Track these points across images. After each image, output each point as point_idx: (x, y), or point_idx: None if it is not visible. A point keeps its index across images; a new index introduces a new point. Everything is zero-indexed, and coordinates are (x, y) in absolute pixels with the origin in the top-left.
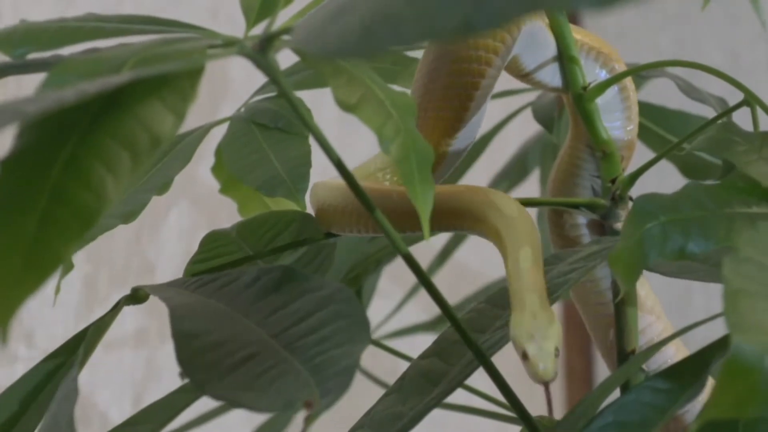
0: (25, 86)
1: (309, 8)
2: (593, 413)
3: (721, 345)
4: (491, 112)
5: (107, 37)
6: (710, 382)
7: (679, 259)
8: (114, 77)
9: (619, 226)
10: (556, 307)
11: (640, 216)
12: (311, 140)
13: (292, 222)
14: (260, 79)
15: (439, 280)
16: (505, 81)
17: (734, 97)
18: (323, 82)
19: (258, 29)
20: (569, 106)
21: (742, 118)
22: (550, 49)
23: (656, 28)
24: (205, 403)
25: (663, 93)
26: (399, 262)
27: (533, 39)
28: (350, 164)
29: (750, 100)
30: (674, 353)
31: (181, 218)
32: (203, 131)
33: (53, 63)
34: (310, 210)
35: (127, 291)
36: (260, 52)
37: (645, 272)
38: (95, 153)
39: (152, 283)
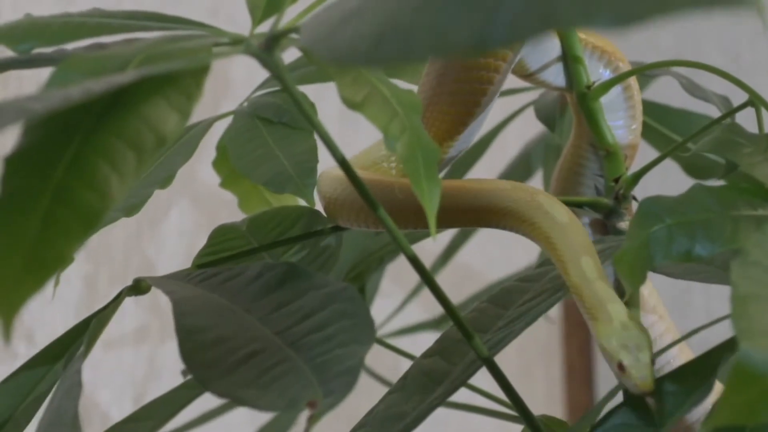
0: (26, 84)
1: (314, 6)
2: (596, 418)
3: (727, 347)
4: (492, 111)
5: (112, 33)
6: (717, 386)
7: (685, 261)
8: (119, 76)
9: (622, 225)
10: (556, 307)
11: (646, 218)
12: (315, 135)
13: (300, 218)
14: (261, 78)
15: (441, 280)
16: (507, 80)
17: (734, 97)
18: (326, 77)
19: (258, 28)
20: (573, 105)
21: (742, 119)
22: (555, 49)
23: (656, 27)
24: (207, 402)
25: (666, 92)
26: (400, 262)
27: (538, 40)
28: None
29: (755, 101)
30: (677, 353)
31: (182, 217)
32: (206, 125)
33: (57, 58)
34: (317, 202)
35: None
36: (266, 50)
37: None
38: (100, 152)
39: None
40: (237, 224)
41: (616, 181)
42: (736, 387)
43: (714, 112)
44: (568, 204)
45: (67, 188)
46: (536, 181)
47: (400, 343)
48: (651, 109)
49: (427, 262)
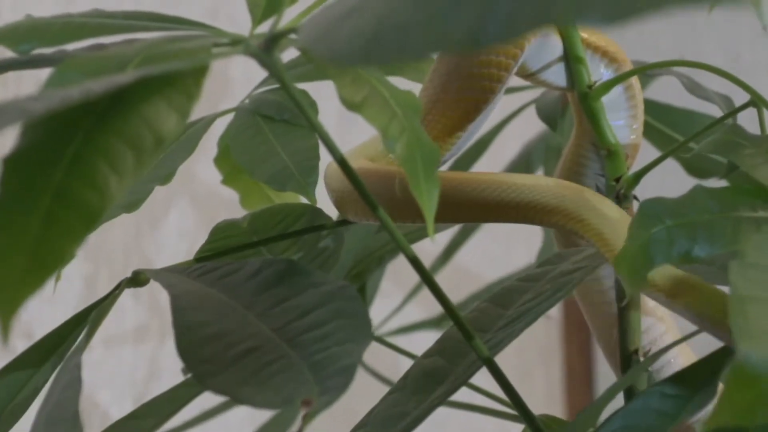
0: (25, 84)
1: (314, 7)
2: (597, 416)
3: (729, 350)
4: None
5: (112, 34)
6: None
7: (685, 263)
8: (119, 76)
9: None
10: (557, 307)
11: (646, 219)
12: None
13: (302, 215)
14: (259, 77)
15: (440, 280)
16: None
17: (734, 98)
18: (324, 75)
19: (258, 29)
20: (574, 104)
21: (742, 119)
22: (557, 49)
23: (656, 28)
24: (207, 401)
25: (667, 91)
26: (399, 262)
27: (541, 40)
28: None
29: (756, 101)
30: (677, 353)
31: (181, 217)
32: (207, 122)
33: (58, 59)
34: (319, 200)
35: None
36: (266, 51)
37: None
38: (100, 152)
39: (151, 281)
40: (239, 221)
41: (617, 180)
42: (735, 388)
43: (715, 111)
44: None
45: (67, 188)
46: None
47: (399, 342)
48: (652, 108)
49: (427, 262)
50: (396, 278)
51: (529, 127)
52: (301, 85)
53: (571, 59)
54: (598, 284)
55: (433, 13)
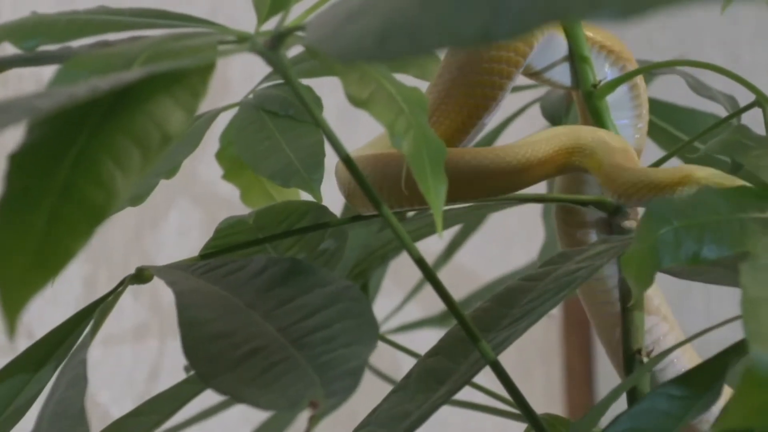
0: (26, 84)
1: (320, 4)
2: (601, 416)
3: (736, 350)
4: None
5: (118, 31)
6: (727, 390)
7: (693, 264)
8: (125, 73)
9: (626, 224)
10: (558, 306)
11: (654, 221)
12: None
13: (307, 213)
14: (259, 76)
15: (441, 280)
16: None
17: (735, 97)
18: (327, 72)
19: (263, 26)
20: (579, 103)
21: (746, 119)
22: (561, 48)
23: (657, 27)
24: (205, 399)
25: (671, 90)
26: (400, 261)
27: (546, 39)
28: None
29: (762, 101)
30: (681, 354)
31: (182, 217)
32: (211, 117)
33: (63, 56)
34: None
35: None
36: (272, 48)
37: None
38: (105, 149)
39: (152, 282)
40: (244, 217)
41: None
42: (747, 390)
43: (719, 111)
44: (572, 203)
45: (73, 185)
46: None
47: (399, 340)
48: (657, 107)
49: (428, 261)
50: (396, 277)
51: (533, 126)
52: (302, 82)
53: (576, 58)
54: (601, 284)
55: (443, 9)
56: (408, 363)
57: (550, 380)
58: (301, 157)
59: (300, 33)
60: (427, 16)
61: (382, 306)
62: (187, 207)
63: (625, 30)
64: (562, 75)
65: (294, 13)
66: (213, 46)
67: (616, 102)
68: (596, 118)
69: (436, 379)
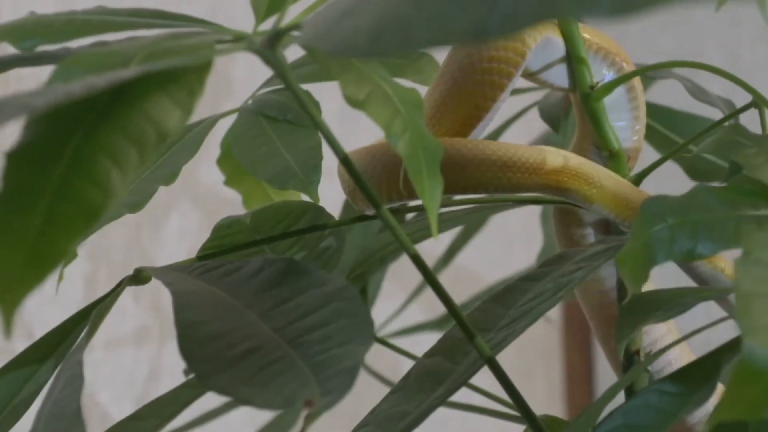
0: (26, 83)
1: (317, 4)
2: (598, 416)
3: (730, 348)
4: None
5: (116, 31)
6: (719, 388)
7: (687, 260)
8: (122, 72)
9: (624, 225)
10: (557, 308)
11: (649, 218)
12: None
13: (305, 213)
14: (262, 77)
15: (441, 282)
16: None
17: (735, 98)
18: (328, 76)
19: (261, 26)
20: (576, 105)
21: (743, 120)
22: (559, 49)
23: (656, 28)
24: (207, 402)
25: (668, 94)
26: (400, 263)
27: (544, 41)
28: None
29: (758, 102)
30: (678, 354)
31: (182, 218)
32: (210, 122)
33: (61, 56)
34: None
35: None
36: (269, 48)
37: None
38: (102, 147)
39: (152, 282)
40: (241, 218)
41: None
42: (739, 383)
43: (717, 115)
44: (570, 204)
45: (69, 184)
46: None
47: (399, 343)
48: (654, 111)
49: (428, 263)
50: (397, 279)
51: (532, 129)
52: (304, 87)
53: (573, 60)
54: (599, 284)
55: (436, 6)
56: (409, 366)
57: (551, 382)
58: (298, 161)
59: (297, 33)
60: (420, 13)
61: (383, 309)
62: (188, 208)
63: (624, 32)
64: (560, 77)
65: (292, 13)
66: (210, 45)
67: (613, 104)
68: (593, 120)
69: (434, 380)
